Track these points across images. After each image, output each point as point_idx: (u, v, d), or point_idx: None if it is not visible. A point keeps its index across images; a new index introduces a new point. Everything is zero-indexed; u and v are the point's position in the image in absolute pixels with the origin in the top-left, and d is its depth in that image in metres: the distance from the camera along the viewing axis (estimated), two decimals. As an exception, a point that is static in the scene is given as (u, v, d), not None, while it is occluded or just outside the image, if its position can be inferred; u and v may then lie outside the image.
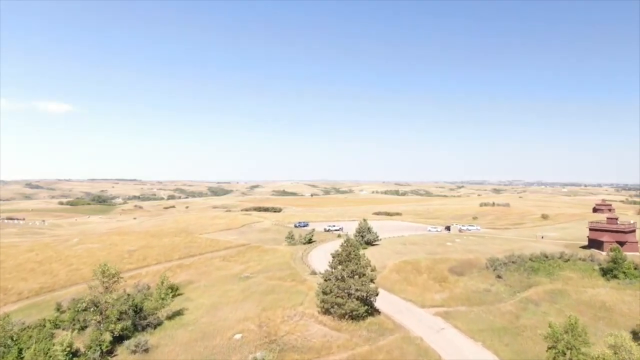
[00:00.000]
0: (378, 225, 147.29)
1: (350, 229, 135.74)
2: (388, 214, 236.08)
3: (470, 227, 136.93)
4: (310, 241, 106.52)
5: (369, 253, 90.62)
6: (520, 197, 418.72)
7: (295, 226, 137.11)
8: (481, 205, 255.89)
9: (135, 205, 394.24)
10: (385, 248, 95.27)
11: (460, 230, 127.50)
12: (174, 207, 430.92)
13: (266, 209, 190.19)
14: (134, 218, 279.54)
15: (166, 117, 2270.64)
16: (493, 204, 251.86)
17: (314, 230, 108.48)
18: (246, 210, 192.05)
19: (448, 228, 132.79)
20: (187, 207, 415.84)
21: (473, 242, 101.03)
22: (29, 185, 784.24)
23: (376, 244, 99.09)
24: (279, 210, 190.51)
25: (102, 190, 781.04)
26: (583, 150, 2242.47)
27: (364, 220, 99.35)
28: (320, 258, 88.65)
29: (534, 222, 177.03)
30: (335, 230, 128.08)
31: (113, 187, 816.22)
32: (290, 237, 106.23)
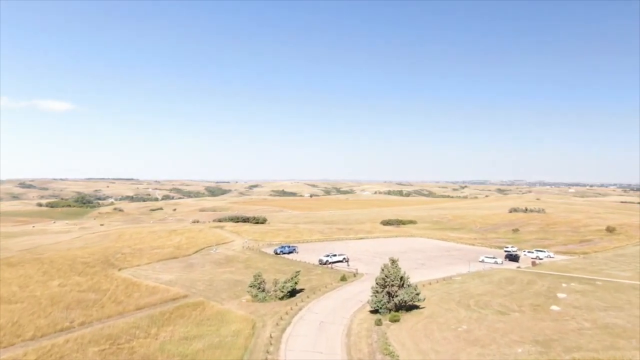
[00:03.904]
0: (397, 249, 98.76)
1: (359, 256, 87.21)
2: (401, 222, 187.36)
3: (540, 254, 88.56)
4: (292, 292, 58.08)
5: (408, 340, 41.95)
6: (538, 199, 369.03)
7: (276, 252, 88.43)
8: (511, 211, 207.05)
9: (115, 208, 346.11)
10: (436, 320, 46.55)
11: (533, 263, 78.88)
12: (161, 208, 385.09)
13: (246, 220, 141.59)
14: (101, 224, 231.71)
15: (166, 116, 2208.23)
16: (526, 210, 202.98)
17: (298, 273, 60.11)
18: (219, 221, 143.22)
19: (512, 257, 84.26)
20: (174, 210, 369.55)
21: (595, 302, 52.24)
22: (21, 184, 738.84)
23: (416, 306, 50.34)
24: (263, 221, 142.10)
25: (96, 190, 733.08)
26: (583, 151, 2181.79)
27: (393, 262, 50.39)
28: (308, 352, 40.14)
29: (601, 237, 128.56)
30: (337, 261, 79.49)
31: (108, 186, 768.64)
32: (257, 286, 57.52)
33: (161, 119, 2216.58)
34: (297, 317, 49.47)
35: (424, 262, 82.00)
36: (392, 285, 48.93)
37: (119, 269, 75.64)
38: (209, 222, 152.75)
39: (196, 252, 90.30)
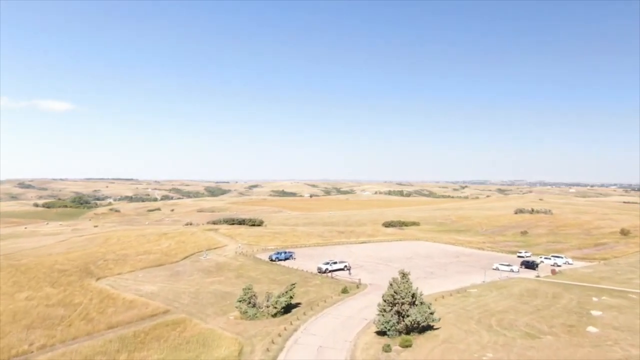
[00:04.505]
0: (402, 254, 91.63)
1: (361, 263, 79.95)
2: (403, 223, 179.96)
3: (558, 260, 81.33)
4: (287, 308, 50.81)
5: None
6: (540, 199, 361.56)
7: (271, 259, 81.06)
8: (517, 212, 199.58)
9: (111, 209, 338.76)
10: (456, 346, 39.15)
11: (553, 272, 71.58)
12: (159, 209, 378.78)
13: (241, 222, 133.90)
14: (95, 226, 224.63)
15: (166, 116, 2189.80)
16: (532, 211, 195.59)
17: (294, 285, 52.95)
18: (214, 223, 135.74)
19: (529, 265, 76.87)
20: (172, 210, 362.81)
21: (637, 322, 44.97)
22: (20, 184, 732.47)
23: (430, 327, 42.95)
24: (259, 224, 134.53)
25: (95, 190, 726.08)
26: (583, 151, 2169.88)
27: (403, 275, 43.15)
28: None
29: (616, 240, 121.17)
30: (337, 269, 72.15)
31: (107, 187, 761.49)
32: (247, 301, 50.24)
33: (161, 119, 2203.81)
34: (291, 340, 42.19)
35: (433, 270, 74.68)
36: (403, 303, 41.64)
37: (97, 279, 68.35)
38: (203, 224, 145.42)
39: (185, 258, 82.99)
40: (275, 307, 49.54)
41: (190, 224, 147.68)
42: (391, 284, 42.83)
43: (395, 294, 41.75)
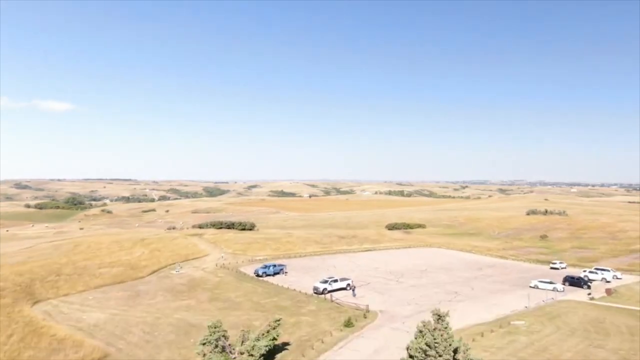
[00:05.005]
0: (414, 266, 76.71)
1: (368, 278, 64.96)
2: (408, 226, 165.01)
3: (606, 274, 66.64)
4: (270, 354, 36.14)
5: None
6: (546, 199, 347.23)
7: (258, 274, 66.17)
8: (529, 213, 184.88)
9: (103, 210, 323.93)
10: None
11: (608, 292, 56.72)
12: (154, 210, 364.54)
13: (230, 226, 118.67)
14: (81, 228, 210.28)
15: (166, 116, 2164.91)
16: (545, 212, 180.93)
17: (279, 322, 38.47)
18: (199, 227, 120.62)
19: (575, 281, 62.10)
20: (167, 211, 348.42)
21: None
22: (17, 185, 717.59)
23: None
24: (251, 228, 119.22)
25: (92, 191, 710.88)
26: (583, 151, 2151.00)
27: (439, 317, 28.74)
28: None
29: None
30: (339, 289, 57.26)
31: (105, 187, 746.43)
32: (213, 343, 35.58)
33: (161, 119, 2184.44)
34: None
35: (456, 288, 59.89)
36: (437, 355, 27.04)
37: (35, 302, 53.54)
38: (188, 228, 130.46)
39: (154, 272, 68.12)
40: (252, 355, 34.88)
41: (174, 228, 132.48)
42: (421, 331, 28.20)
43: (428, 348, 27.11)
